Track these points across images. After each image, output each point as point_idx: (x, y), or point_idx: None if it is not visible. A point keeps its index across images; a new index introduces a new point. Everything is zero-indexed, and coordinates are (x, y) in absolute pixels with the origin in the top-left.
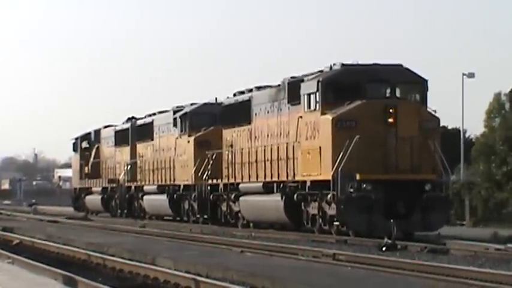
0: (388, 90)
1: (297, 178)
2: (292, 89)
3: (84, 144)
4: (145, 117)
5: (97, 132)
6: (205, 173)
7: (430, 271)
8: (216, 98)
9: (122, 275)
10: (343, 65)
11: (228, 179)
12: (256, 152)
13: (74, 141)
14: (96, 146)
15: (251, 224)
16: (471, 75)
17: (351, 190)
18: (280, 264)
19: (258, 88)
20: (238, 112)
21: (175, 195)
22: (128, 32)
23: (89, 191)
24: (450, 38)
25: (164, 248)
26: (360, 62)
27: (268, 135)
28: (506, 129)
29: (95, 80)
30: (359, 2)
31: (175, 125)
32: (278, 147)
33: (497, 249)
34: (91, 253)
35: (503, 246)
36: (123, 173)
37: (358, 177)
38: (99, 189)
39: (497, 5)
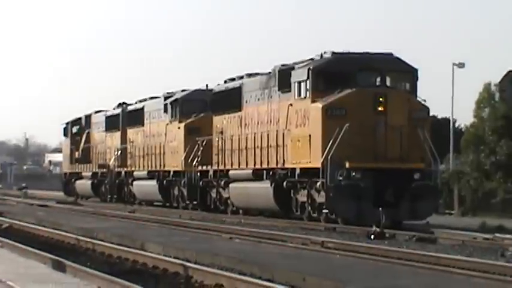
0: (378, 79)
1: (286, 165)
2: (283, 77)
3: (75, 130)
4: (136, 103)
5: (88, 117)
6: (195, 160)
7: (418, 260)
8: (207, 85)
9: (111, 260)
10: (333, 53)
11: (218, 166)
12: (246, 139)
13: (64, 126)
14: (86, 131)
15: (240, 211)
16: (461, 65)
17: (340, 178)
18: (269, 251)
19: (249, 75)
20: (229, 99)
21: (165, 181)
22: (119, 18)
23: (79, 176)
24: (441, 28)
25: (153, 234)
26: (351, 51)
27: (258, 123)
28: (495, 119)
29: (86, 65)
30: None
31: (165, 111)
32: (268, 135)
33: (486, 238)
34: (80, 238)
35: (491, 236)
36: (113, 158)
37: (347, 165)
38: (89, 174)
39: None
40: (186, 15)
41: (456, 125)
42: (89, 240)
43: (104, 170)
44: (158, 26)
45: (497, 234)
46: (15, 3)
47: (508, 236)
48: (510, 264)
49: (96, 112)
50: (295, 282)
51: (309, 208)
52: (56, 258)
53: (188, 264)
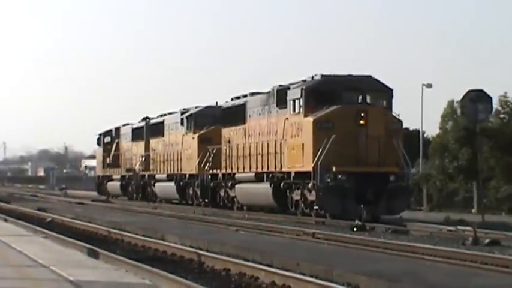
0: (360, 97)
1: (283, 169)
2: (280, 95)
3: (106, 139)
4: (157, 117)
5: (117, 129)
6: (207, 165)
7: (393, 248)
8: (216, 102)
9: (136, 249)
10: (322, 75)
11: (226, 170)
12: (250, 147)
13: (98, 136)
14: (116, 140)
15: (245, 207)
16: (429, 86)
17: (328, 180)
18: (268, 240)
19: (252, 94)
20: (235, 114)
21: (181, 183)
22: (146, 47)
23: (110, 178)
24: (413, 54)
25: (172, 226)
26: (337, 73)
27: (259, 134)
28: (457, 130)
29: (116, 84)
30: (337, 22)
31: (182, 124)
32: (268, 144)
33: (449, 230)
34: (111, 230)
35: (454, 228)
36: (138, 164)
37: (334, 169)
38: (119, 176)
39: (453, 25)
40: (200, 46)
41: (425, 135)
42: (118, 232)
43: (131, 173)
44: (178, 54)
45: (459, 227)
46: (54, 18)
47: (468, 228)
48: (469, 251)
49: (124, 125)
50: (290, 266)
51: (302, 205)
52: (91, 247)
53: (201, 252)
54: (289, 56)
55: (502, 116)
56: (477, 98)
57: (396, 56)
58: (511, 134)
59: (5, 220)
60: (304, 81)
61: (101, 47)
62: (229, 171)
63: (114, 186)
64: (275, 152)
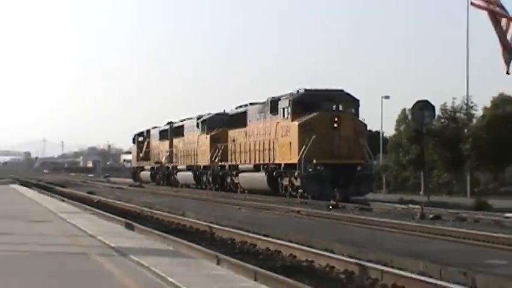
0: (334, 106)
1: (275, 161)
2: (273, 105)
3: (140, 139)
4: (178, 121)
5: (148, 131)
6: (217, 158)
7: (360, 221)
8: (224, 110)
9: (163, 223)
10: (305, 89)
11: (231, 162)
12: (250, 145)
13: (133, 136)
14: (147, 140)
15: (246, 191)
16: (387, 97)
17: (310, 170)
18: (264, 216)
19: (251, 104)
20: (239, 119)
21: (197, 172)
22: (172, 63)
23: (142, 169)
24: (376, 73)
25: (190, 206)
26: (316, 88)
27: (257, 134)
28: (408, 132)
29: (146, 94)
30: (320, 43)
31: (197, 127)
32: (263, 142)
33: (402, 208)
34: (143, 208)
35: (406, 206)
36: (164, 157)
37: (314, 161)
38: (149, 167)
39: (406, 49)
40: (211, 65)
41: (384, 135)
42: (148, 210)
43: (158, 165)
44: (196, 70)
45: (410, 205)
46: (96, 31)
47: (416, 206)
48: (417, 224)
49: (153, 128)
50: (280, 236)
51: (290, 189)
52: (128, 221)
53: (212, 225)
54: (282, 71)
55: (442, 120)
56: (423, 107)
57: (363, 75)
58: (449, 135)
59: (63, 200)
60: (291, 93)
61: (139, 65)
62: (234, 163)
63: (145, 174)
64: (269, 149)
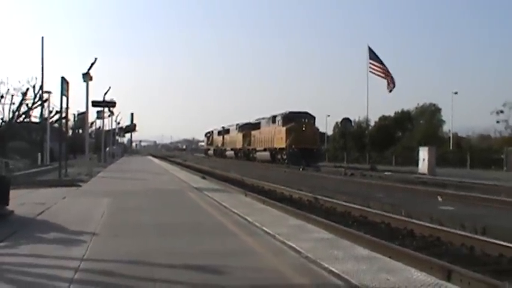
0: (303, 119)
1: (274, 146)
2: (273, 119)
3: (208, 135)
4: (227, 126)
5: (212, 131)
6: (245, 145)
7: (315, 176)
8: (250, 121)
9: (219, 176)
10: (289, 112)
11: (253, 147)
12: (261, 138)
13: (205, 133)
14: (211, 136)
15: (260, 161)
16: (329, 116)
17: (290, 150)
18: (269, 174)
19: (263, 118)
20: (257, 126)
21: (236, 151)
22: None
23: (208, 150)
24: (322, 98)
25: (232, 167)
26: (296, 110)
27: (265, 133)
28: (340, 133)
29: (216, 99)
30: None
31: (236, 129)
32: (268, 137)
33: (335, 167)
34: (209, 169)
35: (337, 169)
36: (219, 144)
37: (293, 146)
38: (212, 149)
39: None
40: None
41: (328, 134)
42: (212, 169)
43: (215, 147)
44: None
45: (340, 168)
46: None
47: (342, 169)
48: (344, 177)
49: (214, 130)
50: (275, 182)
51: (281, 160)
52: (203, 175)
53: (244, 178)
54: (281, 97)
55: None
56: (346, 121)
57: (318, 101)
58: (360, 135)
59: (171, 164)
60: (282, 113)
61: (216, 84)
62: (253, 147)
63: (210, 152)
64: (271, 140)
